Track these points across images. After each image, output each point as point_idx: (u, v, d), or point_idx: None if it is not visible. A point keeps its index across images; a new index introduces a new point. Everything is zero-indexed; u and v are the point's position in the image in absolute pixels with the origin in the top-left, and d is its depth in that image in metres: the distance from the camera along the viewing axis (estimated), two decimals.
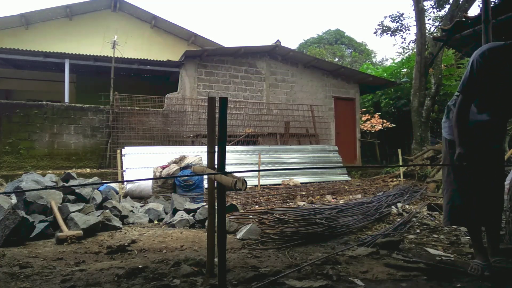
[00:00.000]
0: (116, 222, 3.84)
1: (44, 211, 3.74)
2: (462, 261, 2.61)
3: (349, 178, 9.40)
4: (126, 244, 3.05)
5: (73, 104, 9.38)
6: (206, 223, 3.10)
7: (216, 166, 1.87)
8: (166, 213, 4.48)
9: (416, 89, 11.06)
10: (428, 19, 14.73)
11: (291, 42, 63.92)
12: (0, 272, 2.26)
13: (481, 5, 3.09)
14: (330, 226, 3.41)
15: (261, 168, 7.95)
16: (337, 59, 27.77)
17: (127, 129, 9.11)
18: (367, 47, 31.68)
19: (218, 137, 1.82)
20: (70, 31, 12.92)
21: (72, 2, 12.45)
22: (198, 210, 4.13)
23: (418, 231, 3.61)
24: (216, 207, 1.93)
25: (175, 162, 6.26)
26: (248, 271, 2.27)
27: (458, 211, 2.44)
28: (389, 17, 15.10)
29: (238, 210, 4.48)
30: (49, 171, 7.82)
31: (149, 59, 10.78)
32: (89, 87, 11.43)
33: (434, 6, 13.86)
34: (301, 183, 8.18)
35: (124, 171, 7.09)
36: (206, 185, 5.91)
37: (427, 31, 12.90)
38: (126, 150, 7.56)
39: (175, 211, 4.27)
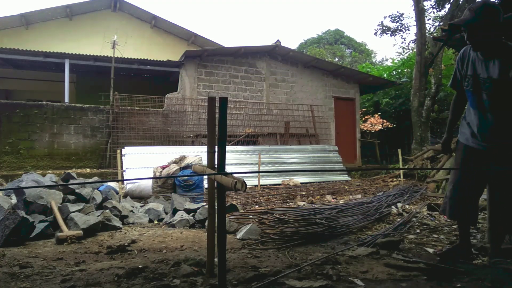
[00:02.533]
0: (116, 222, 3.84)
1: (44, 211, 3.74)
2: (462, 261, 2.61)
3: (349, 178, 9.40)
4: (126, 244, 3.05)
5: (73, 104, 9.38)
6: (206, 223, 3.10)
7: (216, 166, 1.87)
8: (166, 213, 4.48)
9: (416, 89, 11.06)
10: (428, 19, 14.72)
11: (291, 42, 64.00)
12: (0, 272, 2.26)
13: None
14: (330, 226, 3.41)
15: (261, 168, 7.95)
16: (337, 59, 27.78)
17: (127, 129, 9.11)
18: (367, 47, 31.73)
19: (218, 137, 1.82)
20: (70, 31, 12.92)
21: (72, 2, 12.45)
22: (198, 210, 4.13)
23: (418, 231, 3.61)
24: (216, 207, 1.93)
25: (175, 162, 6.26)
26: (248, 271, 2.27)
27: (450, 204, 2.59)
28: (389, 17, 15.09)
29: (238, 210, 4.48)
30: (49, 171, 7.82)
31: (149, 59, 10.79)
32: (89, 87, 11.43)
33: (434, 6, 13.86)
34: (301, 183, 8.18)
35: (124, 171, 7.09)
36: (206, 185, 5.91)
37: (427, 31, 12.90)
38: (126, 150, 7.56)
39: (175, 211, 4.27)
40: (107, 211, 3.94)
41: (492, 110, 2.37)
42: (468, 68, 2.44)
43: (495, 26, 2.22)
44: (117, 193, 5.01)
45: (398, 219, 4.01)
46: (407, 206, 4.86)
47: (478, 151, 2.48)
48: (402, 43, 30.84)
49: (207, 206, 2.50)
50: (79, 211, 3.69)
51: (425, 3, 12.65)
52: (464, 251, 2.61)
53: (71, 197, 4.16)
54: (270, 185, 7.94)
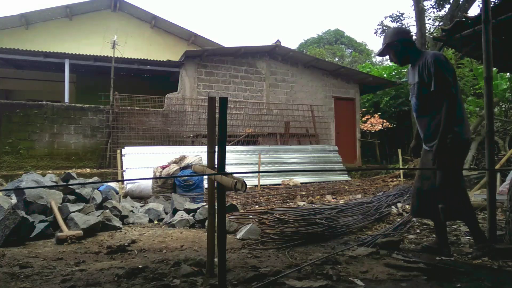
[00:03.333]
0: (116, 222, 3.84)
1: (44, 211, 3.74)
2: (462, 261, 2.62)
3: (349, 178, 9.39)
4: (126, 244, 3.05)
5: (73, 104, 9.38)
6: (206, 223, 3.10)
7: (216, 166, 1.87)
8: (166, 213, 4.48)
9: None
10: (428, 19, 14.72)
11: (291, 42, 63.97)
12: (0, 272, 2.26)
13: (481, 5, 3.09)
14: (330, 226, 3.41)
15: (261, 168, 7.95)
16: (337, 59, 27.77)
17: (127, 129, 9.11)
18: (367, 47, 31.68)
19: (218, 137, 1.82)
20: (70, 31, 12.92)
21: (72, 2, 12.45)
22: (198, 210, 4.13)
23: (418, 231, 3.62)
24: (216, 207, 1.93)
25: (175, 162, 6.26)
26: (248, 271, 2.27)
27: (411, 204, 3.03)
28: (389, 17, 15.14)
29: (238, 210, 4.49)
30: (49, 171, 7.82)
31: (149, 59, 10.78)
32: (89, 87, 11.43)
33: (434, 6, 13.86)
34: (301, 183, 8.18)
35: (124, 171, 7.09)
36: (206, 185, 5.91)
37: (427, 31, 12.89)
38: (126, 150, 7.56)
39: (175, 211, 4.27)
40: (107, 211, 3.94)
41: (423, 112, 2.74)
42: (408, 79, 2.97)
43: (405, 43, 2.73)
44: (117, 193, 5.01)
45: (398, 219, 4.01)
46: (407, 206, 4.85)
47: (428, 151, 2.81)
48: None
49: (207, 206, 2.50)
50: (79, 211, 3.69)
51: (425, 3, 12.66)
52: (439, 247, 2.77)
53: (71, 197, 4.16)
54: (270, 185, 7.94)
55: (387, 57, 2.90)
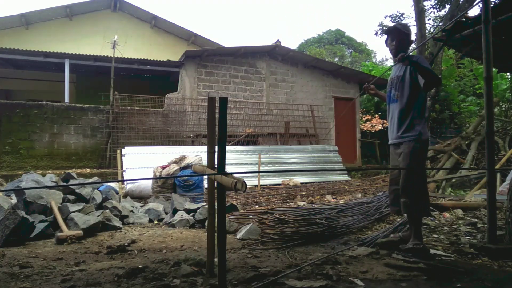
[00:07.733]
0: (116, 222, 3.84)
1: (44, 211, 3.74)
2: (462, 261, 2.62)
3: (349, 178, 9.39)
4: (126, 244, 3.05)
5: (73, 104, 9.38)
6: (206, 223, 3.10)
7: (216, 166, 1.87)
8: (166, 213, 4.48)
9: None
10: (428, 19, 14.72)
11: (291, 42, 63.94)
12: (0, 272, 2.26)
13: (481, 5, 3.09)
14: (330, 226, 3.41)
15: (261, 168, 7.95)
16: (337, 59, 27.76)
17: (127, 129, 9.11)
18: (367, 47, 31.68)
19: (218, 137, 1.82)
20: (70, 31, 12.91)
21: (72, 2, 12.44)
22: (198, 210, 4.13)
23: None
24: (216, 207, 1.93)
25: (175, 162, 6.26)
26: (248, 271, 2.27)
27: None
28: (389, 17, 15.13)
29: (238, 210, 4.49)
30: (49, 171, 7.81)
31: (149, 59, 10.78)
32: (89, 87, 11.42)
33: (434, 6, 13.86)
34: (301, 183, 8.17)
35: (124, 171, 7.09)
36: (206, 185, 5.90)
37: (427, 31, 12.89)
38: (126, 150, 7.56)
39: (175, 211, 4.27)
40: (107, 211, 3.93)
41: (396, 105, 2.92)
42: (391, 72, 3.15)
43: (407, 41, 2.97)
44: (117, 193, 5.00)
45: (398, 219, 4.00)
46: None
47: (393, 145, 3.03)
48: None
49: (207, 206, 2.50)
50: (79, 211, 3.69)
51: (425, 3, 12.66)
52: (399, 241, 2.97)
53: (71, 197, 4.16)
54: (270, 185, 7.94)
55: (388, 57, 3.01)
